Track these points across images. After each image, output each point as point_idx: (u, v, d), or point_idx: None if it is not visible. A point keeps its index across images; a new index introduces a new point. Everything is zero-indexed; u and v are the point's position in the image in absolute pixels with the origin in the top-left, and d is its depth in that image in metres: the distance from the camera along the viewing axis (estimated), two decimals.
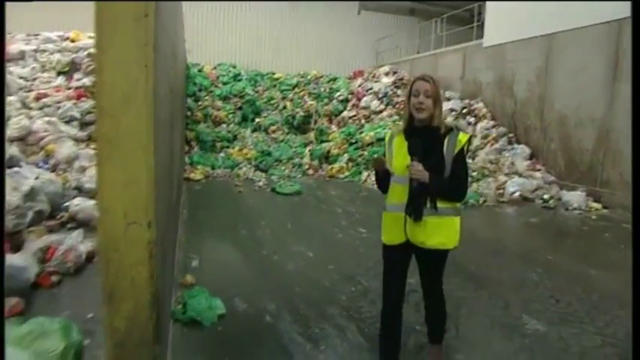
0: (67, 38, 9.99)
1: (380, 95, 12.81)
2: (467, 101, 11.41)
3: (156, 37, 1.84)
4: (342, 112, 13.09)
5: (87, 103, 7.78)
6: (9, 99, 7.10)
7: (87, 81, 8.46)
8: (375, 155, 2.21)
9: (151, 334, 1.91)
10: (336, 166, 10.38)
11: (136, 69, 1.73)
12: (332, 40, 16.91)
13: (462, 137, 2.34)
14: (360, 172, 10.03)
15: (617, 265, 4.82)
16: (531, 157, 9.39)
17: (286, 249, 5.05)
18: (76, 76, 8.87)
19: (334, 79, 14.77)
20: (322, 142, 11.73)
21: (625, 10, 6.84)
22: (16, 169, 5.29)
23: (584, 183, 8.21)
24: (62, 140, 6.67)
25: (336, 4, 16.75)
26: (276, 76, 14.91)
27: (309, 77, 14.78)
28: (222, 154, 10.72)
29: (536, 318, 3.47)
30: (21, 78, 8.22)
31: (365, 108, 12.65)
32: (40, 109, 7.27)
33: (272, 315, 3.37)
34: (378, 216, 2.60)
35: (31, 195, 4.78)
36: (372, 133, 10.81)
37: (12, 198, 4.46)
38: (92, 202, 5.38)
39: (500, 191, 8.30)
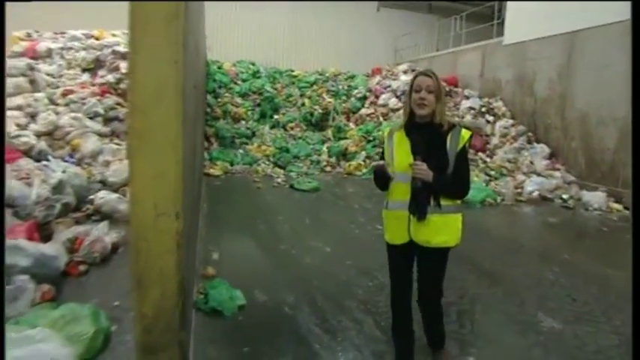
0: (92, 36, 10.23)
1: (398, 93, 12.78)
2: (486, 99, 11.33)
3: (185, 36, 1.93)
4: (359, 109, 13.11)
5: (110, 100, 7.96)
6: (37, 95, 7.33)
7: (110, 77, 8.66)
8: (375, 163, 2.21)
9: (177, 321, 1.99)
10: (354, 163, 10.42)
11: (166, 67, 1.81)
12: (351, 37, 16.91)
13: (465, 133, 2.30)
14: None
15: None
16: (551, 156, 9.30)
17: (304, 244, 5.14)
18: (100, 72, 9.08)
19: (352, 77, 14.79)
20: (340, 139, 11.77)
21: None
22: (44, 162, 5.50)
23: (605, 183, 8.10)
24: (87, 135, 6.85)
25: (355, 2, 16.71)
26: (294, 73, 14.98)
27: (327, 75, 14.83)
28: (241, 151, 10.85)
29: (551, 316, 3.48)
30: (48, 75, 8.46)
31: (383, 106, 12.64)
32: (67, 105, 7.47)
33: (291, 307, 3.47)
34: None
35: (58, 188, 4.96)
36: None
37: (42, 190, 4.65)
38: (115, 195, 5.55)
39: (519, 190, 8.25)
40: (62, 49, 9.51)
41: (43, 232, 4.17)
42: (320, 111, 12.92)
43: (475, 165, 9.41)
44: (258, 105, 12.87)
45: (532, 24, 10.18)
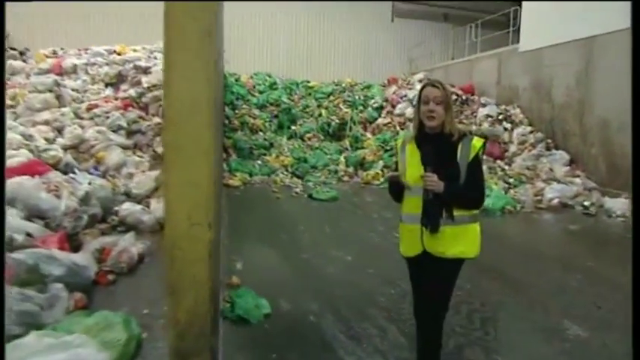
0: (114, 51, 10.54)
1: (414, 102, 12.80)
2: (503, 107, 11.29)
3: (217, 52, 2.02)
4: (376, 119, 13.17)
5: (133, 113, 8.18)
6: (63, 110, 7.57)
7: (132, 92, 8.89)
8: (390, 174, 2.23)
9: (209, 326, 2.06)
10: (372, 172, 10.44)
11: (200, 83, 1.90)
12: (366, 47, 17.05)
13: (477, 142, 2.27)
14: None
15: None
16: (570, 162, 9.21)
17: (325, 253, 5.18)
18: (123, 87, 9.35)
19: (368, 87, 14.88)
20: (357, 149, 11.84)
21: None
22: (71, 175, 5.67)
23: (628, 189, 7.99)
24: (111, 148, 7.04)
25: (370, 12, 16.86)
26: (311, 84, 15.14)
27: (343, 85, 14.94)
28: (259, 162, 10.98)
29: (577, 324, 3.45)
30: (73, 90, 8.74)
31: (399, 115, 12.68)
32: (91, 118, 7.70)
33: (315, 315, 3.51)
34: None
35: (85, 199, 5.12)
36: None
37: (70, 202, 4.80)
38: (139, 206, 5.70)
39: (539, 197, 8.18)
40: (86, 64, 9.83)
41: (72, 242, 4.30)
42: (337, 121, 13.02)
43: (494, 173, 9.37)
44: (276, 116, 13.02)
45: (548, 30, 10.15)
